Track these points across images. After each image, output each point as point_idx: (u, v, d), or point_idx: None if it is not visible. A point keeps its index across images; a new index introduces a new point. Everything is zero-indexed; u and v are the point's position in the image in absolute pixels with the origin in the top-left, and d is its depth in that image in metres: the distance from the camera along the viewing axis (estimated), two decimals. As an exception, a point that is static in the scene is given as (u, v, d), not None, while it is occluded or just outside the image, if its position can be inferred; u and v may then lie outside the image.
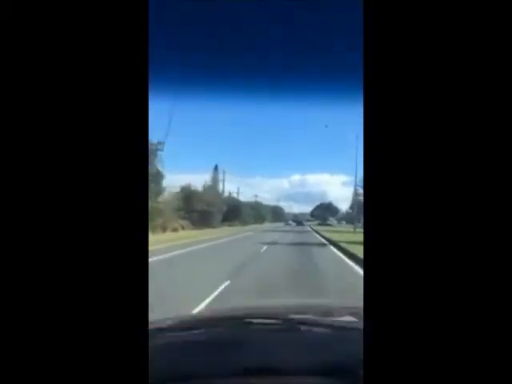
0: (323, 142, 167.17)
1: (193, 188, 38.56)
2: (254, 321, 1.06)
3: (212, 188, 47.35)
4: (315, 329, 0.99)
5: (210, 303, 5.28)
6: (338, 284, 6.94)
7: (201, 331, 1.05)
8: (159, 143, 24.98)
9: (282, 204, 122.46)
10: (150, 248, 8.38)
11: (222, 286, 6.44)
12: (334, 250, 15.09)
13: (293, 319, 1.10)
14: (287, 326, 1.02)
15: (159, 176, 25.91)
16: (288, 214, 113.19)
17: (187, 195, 35.29)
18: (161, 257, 10.60)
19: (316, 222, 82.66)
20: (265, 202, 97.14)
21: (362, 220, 0.82)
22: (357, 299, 0.93)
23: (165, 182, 27.75)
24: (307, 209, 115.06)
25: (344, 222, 78.27)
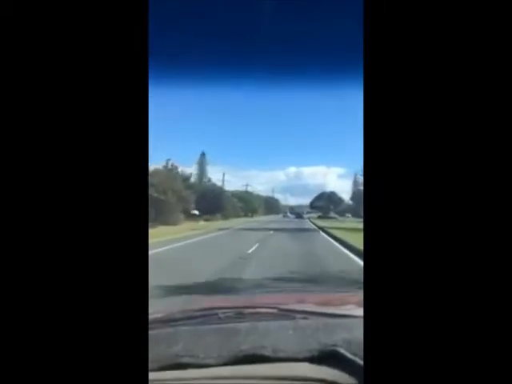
0: (320, 134, 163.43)
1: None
2: (249, 310, 1.07)
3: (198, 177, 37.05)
4: (312, 317, 0.97)
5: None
6: None
7: (198, 320, 1.01)
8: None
9: (278, 196, 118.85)
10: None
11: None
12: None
13: (290, 309, 1.07)
14: (284, 315, 1.00)
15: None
16: (284, 206, 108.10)
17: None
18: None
19: (316, 215, 70.62)
20: (259, 193, 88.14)
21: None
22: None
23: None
24: (304, 201, 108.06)
25: (349, 215, 66.92)
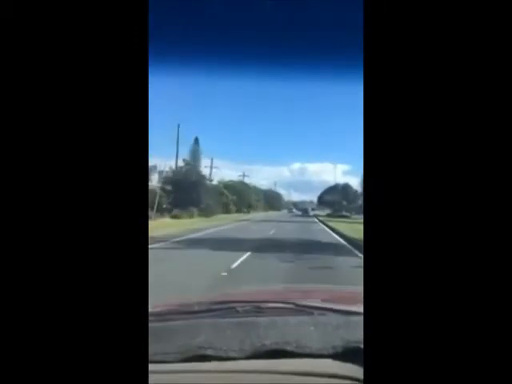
0: (325, 133, 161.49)
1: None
2: (267, 305, 1.08)
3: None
4: (330, 313, 0.98)
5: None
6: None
7: (216, 313, 1.01)
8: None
9: (281, 191, 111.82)
10: None
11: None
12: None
13: (308, 305, 1.07)
14: (301, 310, 1.01)
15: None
16: (287, 202, 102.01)
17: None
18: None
19: (324, 213, 59.76)
20: (259, 186, 78.43)
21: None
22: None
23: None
24: (307, 197, 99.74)
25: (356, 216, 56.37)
